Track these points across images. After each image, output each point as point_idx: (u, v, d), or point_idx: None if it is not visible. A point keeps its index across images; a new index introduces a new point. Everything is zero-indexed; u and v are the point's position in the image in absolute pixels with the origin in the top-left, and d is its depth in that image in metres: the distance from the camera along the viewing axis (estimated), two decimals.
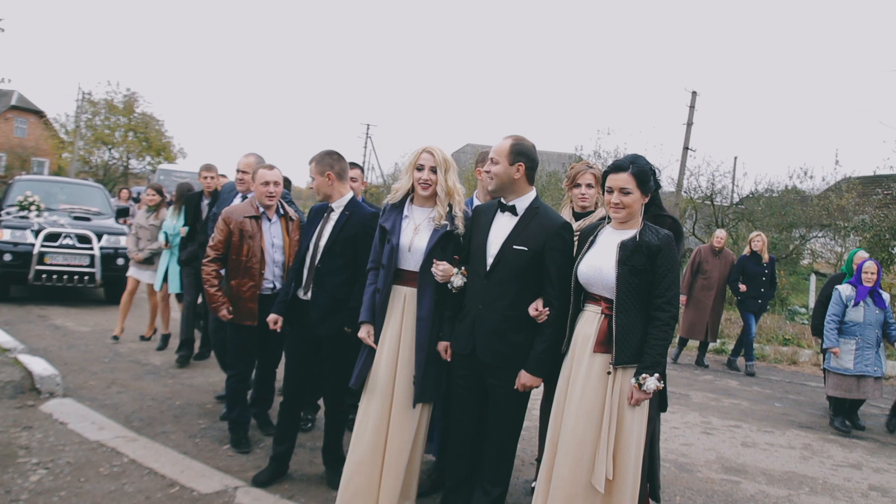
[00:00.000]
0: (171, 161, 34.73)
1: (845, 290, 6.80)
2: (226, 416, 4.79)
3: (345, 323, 3.87)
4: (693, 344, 10.02)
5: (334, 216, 4.05)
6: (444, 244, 3.52)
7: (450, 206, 3.56)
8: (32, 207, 9.87)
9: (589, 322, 3.15)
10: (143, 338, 7.73)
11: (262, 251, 4.48)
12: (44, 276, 9.14)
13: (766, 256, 9.33)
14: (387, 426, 3.52)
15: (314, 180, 4.06)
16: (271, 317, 4.12)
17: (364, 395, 3.61)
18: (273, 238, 4.58)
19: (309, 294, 3.99)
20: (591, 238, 3.24)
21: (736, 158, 29.35)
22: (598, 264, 3.10)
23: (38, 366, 5.41)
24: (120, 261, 9.61)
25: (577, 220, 3.83)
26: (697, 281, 9.41)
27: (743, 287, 9.20)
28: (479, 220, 3.50)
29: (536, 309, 3.27)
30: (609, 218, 3.23)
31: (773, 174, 43.35)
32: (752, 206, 20.67)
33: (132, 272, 7.58)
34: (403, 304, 3.55)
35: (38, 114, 38.39)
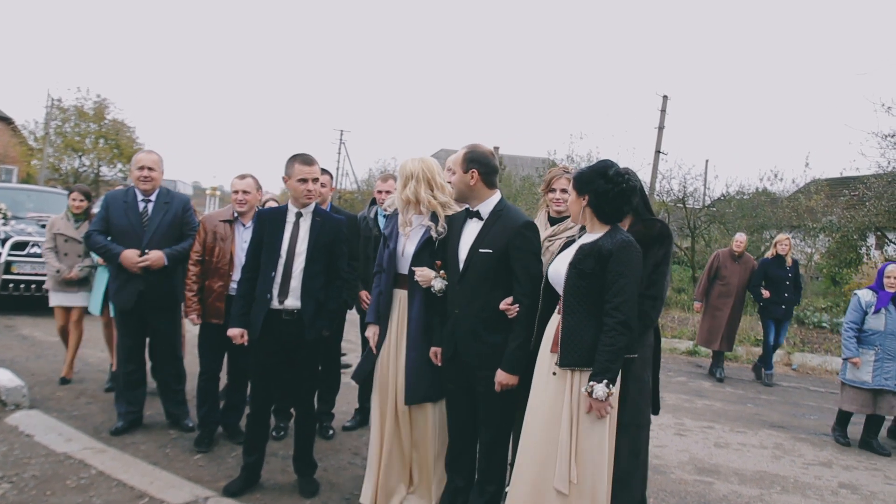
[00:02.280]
0: None
1: (865, 295, 6.24)
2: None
3: (323, 326, 4.06)
4: (706, 351, 10.04)
5: (305, 222, 4.04)
6: (430, 250, 3.68)
7: (434, 213, 3.70)
8: None
9: (553, 323, 3.19)
10: (64, 380, 6.04)
11: (231, 254, 4.73)
12: (10, 285, 8.96)
13: (790, 260, 8.81)
14: (393, 423, 3.74)
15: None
16: (235, 331, 4.07)
17: (373, 394, 3.83)
18: (244, 242, 4.68)
19: (286, 302, 3.97)
20: (567, 242, 3.28)
21: (707, 161, 29.78)
22: (559, 267, 3.17)
23: (4, 377, 5.30)
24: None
25: (552, 224, 3.88)
26: (715, 287, 9.03)
27: (766, 293, 8.70)
28: (453, 228, 3.63)
29: (507, 304, 3.34)
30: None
31: (743, 177, 44.10)
32: (724, 209, 20.94)
33: (57, 300, 6.08)
34: (399, 305, 3.75)
35: (6, 120, 37.68)
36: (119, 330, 5.02)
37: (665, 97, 22.93)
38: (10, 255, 8.97)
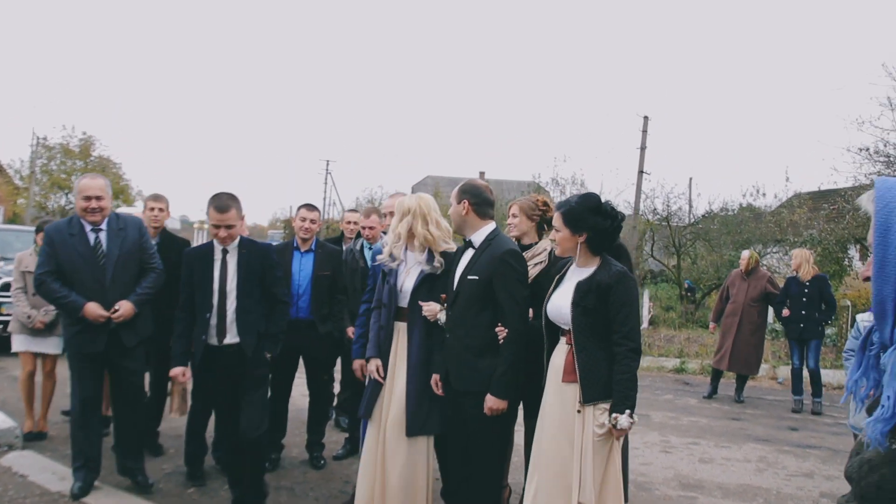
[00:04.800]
0: (130, 204, 34.35)
1: (865, 319, 4.65)
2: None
3: (266, 350, 4.21)
4: (693, 368, 10.05)
5: (232, 258, 4.15)
6: (430, 285, 3.81)
7: (429, 249, 3.85)
8: None
9: (560, 353, 3.28)
10: (35, 434, 5.55)
11: None
12: (0, 326, 9.00)
13: (805, 275, 8.37)
14: (384, 454, 3.78)
15: (236, 227, 4.14)
16: (177, 369, 4.16)
17: (369, 426, 3.89)
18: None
19: (226, 340, 4.09)
20: (559, 276, 3.40)
21: (691, 179, 30.18)
22: (559, 304, 3.25)
23: None
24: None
25: (522, 251, 4.01)
26: (727, 307, 8.90)
27: (786, 311, 8.43)
28: (455, 259, 3.78)
29: (500, 329, 3.47)
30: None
31: (726, 193, 44.57)
32: (708, 225, 21.23)
33: (24, 345, 5.65)
34: (398, 337, 3.86)
35: None
36: (78, 378, 4.30)
37: (646, 118, 23.27)
38: None
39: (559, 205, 3.35)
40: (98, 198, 4.24)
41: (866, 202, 1.52)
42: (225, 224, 4.03)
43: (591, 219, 3.16)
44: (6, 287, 9.09)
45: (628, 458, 3.74)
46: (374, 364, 3.89)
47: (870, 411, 1.47)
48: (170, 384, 5.00)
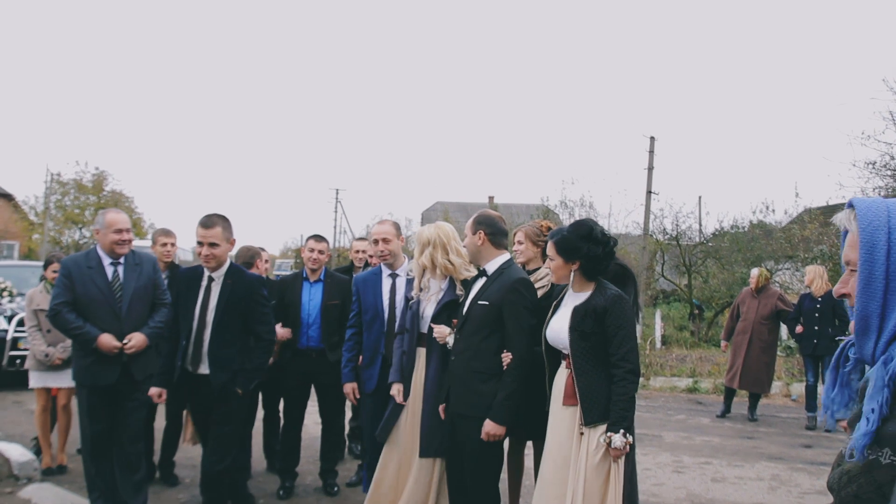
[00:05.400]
0: (143, 237, 34.78)
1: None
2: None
3: (238, 386, 4.11)
4: (705, 388, 9.99)
5: (216, 286, 4.09)
6: (450, 312, 3.92)
7: (451, 277, 3.99)
8: (5, 293, 9.91)
9: (561, 377, 3.37)
10: (56, 469, 5.57)
11: None
12: (18, 361, 9.13)
13: (818, 291, 8.34)
14: (401, 474, 3.91)
15: (221, 246, 4.08)
16: (154, 390, 4.15)
17: (385, 446, 3.99)
18: None
19: (200, 369, 4.08)
20: (557, 302, 3.49)
21: (700, 198, 30.13)
22: (557, 328, 3.35)
23: (15, 451, 5.45)
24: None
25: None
26: (738, 325, 8.90)
27: (799, 328, 8.41)
28: (468, 287, 3.87)
29: (506, 355, 3.54)
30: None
31: (736, 210, 44.49)
32: (719, 243, 21.23)
33: (41, 381, 5.65)
34: (419, 363, 3.99)
35: (7, 197, 38.27)
36: (88, 412, 4.30)
37: (652, 138, 23.36)
38: (16, 331, 9.17)
39: (552, 234, 3.45)
40: (128, 230, 4.38)
41: (845, 221, 1.58)
42: (208, 241, 3.97)
43: (584, 246, 3.24)
44: (21, 322, 9.25)
45: (636, 480, 3.77)
46: (397, 388, 3.99)
47: (851, 425, 1.53)
48: (185, 413, 5.09)
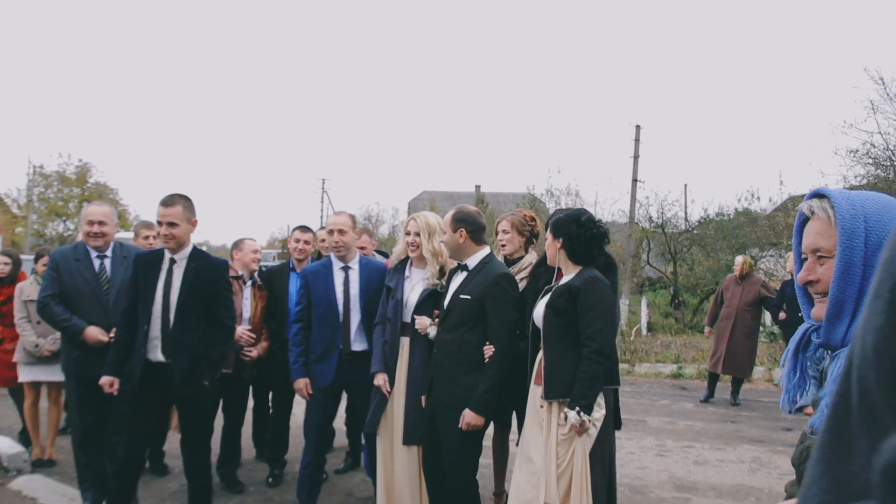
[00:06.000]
0: (128, 229, 34.57)
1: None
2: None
3: (203, 378, 3.93)
4: (689, 373, 10.08)
5: (179, 269, 3.89)
6: (434, 301, 3.95)
7: (441, 266, 4.01)
8: None
9: (539, 356, 3.48)
10: (46, 462, 5.63)
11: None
12: None
13: None
14: (392, 463, 3.97)
15: (181, 226, 3.87)
16: (105, 379, 3.89)
17: (378, 436, 4.04)
18: (244, 299, 5.03)
19: (159, 356, 3.85)
20: (547, 287, 3.60)
21: (686, 186, 30.36)
22: (539, 309, 3.47)
23: (5, 444, 5.49)
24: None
25: (508, 266, 4.17)
26: (721, 311, 9.03)
27: (783, 314, 8.57)
28: (448, 279, 3.92)
29: (488, 348, 3.62)
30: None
31: (721, 199, 44.83)
32: (704, 231, 21.43)
33: (30, 375, 5.58)
34: (403, 352, 4.00)
35: None
36: (78, 404, 4.36)
37: (638, 126, 23.46)
38: None
39: (553, 212, 3.62)
40: (101, 223, 4.32)
41: (818, 209, 1.62)
42: (167, 220, 3.79)
43: (569, 226, 3.40)
44: None
45: (615, 464, 3.86)
46: (382, 378, 4.02)
47: (815, 406, 1.60)
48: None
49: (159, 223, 3.85)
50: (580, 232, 3.38)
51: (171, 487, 5.10)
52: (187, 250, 3.88)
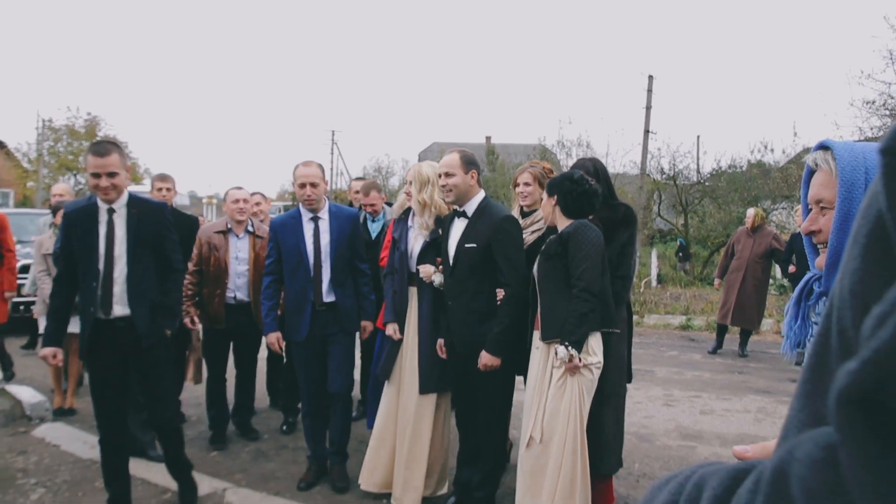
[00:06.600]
0: (138, 182, 34.65)
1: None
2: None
3: (164, 326, 3.79)
4: (698, 325, 10.22)
5: (119, 219, 3.61)
6: (435, 250, 3.98)
7: (437, 216, 4.02)
8: None
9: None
10: (67, 411, 5.75)
11: (226, 263, 4.95)
12: (21, 307, 9.27)
13: None
14: (398, 411, 4.04)
15: (120, 174, 3.59)
16: (47, 350, 3.62)
17: (386, 385, 4.12)
18: (238, 252, 5.02)
19: (114, 312, 3.60)
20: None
21: (698, 137, 30.01)
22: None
23: (27, 394, 5.64)
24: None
25: (523, 217, 4.19)
26: (732, 263, 8.98)
27: (792, 268, 8.34)
28: (445, 228, 3.94)
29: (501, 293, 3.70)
30: None
31: (734, 150, 44.35)
32: (716, 183, 21.25)
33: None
34: (413, 302, 4.06)
35: None
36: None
37: (651, 77, 23.09)
38: (19, 278, 9.27)
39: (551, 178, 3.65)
40: (108, 174, 3.89)
41: (821, 160, 1.64)
42: (106, 171, 3.48)
43: (563, 184, 3.48)
44: (26, 269, 9.36)
45: (624, 415, 3.94)
46: (393, 327, 4.08)
47: None
48: (187, 353, 5.26)
49: (97, 175, 3.51)
50: (573, 188, 3.46)
51: (189, 435, 5.19)
52: (125, 198, 3.61)
